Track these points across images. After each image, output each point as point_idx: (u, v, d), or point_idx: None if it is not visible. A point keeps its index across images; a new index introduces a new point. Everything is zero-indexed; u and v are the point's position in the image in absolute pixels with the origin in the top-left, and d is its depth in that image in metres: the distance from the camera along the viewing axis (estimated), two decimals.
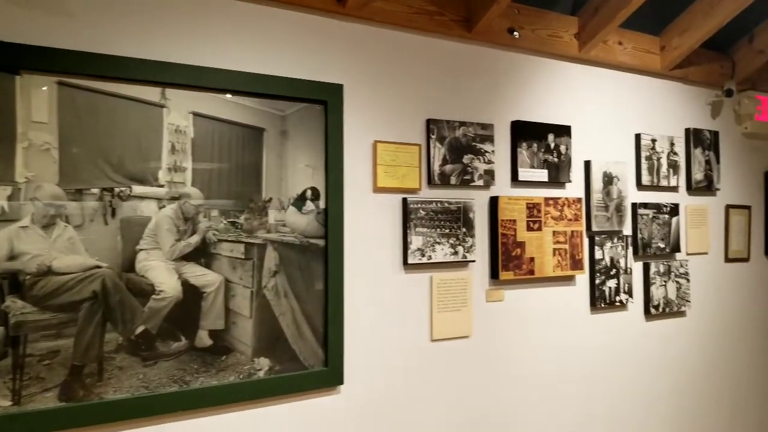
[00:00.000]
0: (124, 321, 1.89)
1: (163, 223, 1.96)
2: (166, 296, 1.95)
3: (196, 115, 2.04)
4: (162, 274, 1.95)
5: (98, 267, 1.86)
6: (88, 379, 1.84)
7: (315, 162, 2.23)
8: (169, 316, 1.96)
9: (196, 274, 2.01)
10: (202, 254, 2.02)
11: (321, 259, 2.23)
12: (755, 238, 3.64)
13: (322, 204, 2.24)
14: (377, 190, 2.35)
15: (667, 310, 3.15)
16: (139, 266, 1.92)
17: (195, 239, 2.01)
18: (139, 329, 1.91)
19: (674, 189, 3.25)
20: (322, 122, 2.25)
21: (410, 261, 2.39)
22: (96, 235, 1.87)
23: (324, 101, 2.24)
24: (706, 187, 3.35)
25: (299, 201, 2.19)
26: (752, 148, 3.65)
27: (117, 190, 1.90)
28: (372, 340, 2.33)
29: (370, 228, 2.33)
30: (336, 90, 2.26)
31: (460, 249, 2.51)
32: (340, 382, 2.22)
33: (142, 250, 1.93)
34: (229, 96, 2.08)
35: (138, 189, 1.93)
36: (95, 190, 1.88)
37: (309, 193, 2.22)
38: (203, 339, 2.01)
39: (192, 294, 2.00)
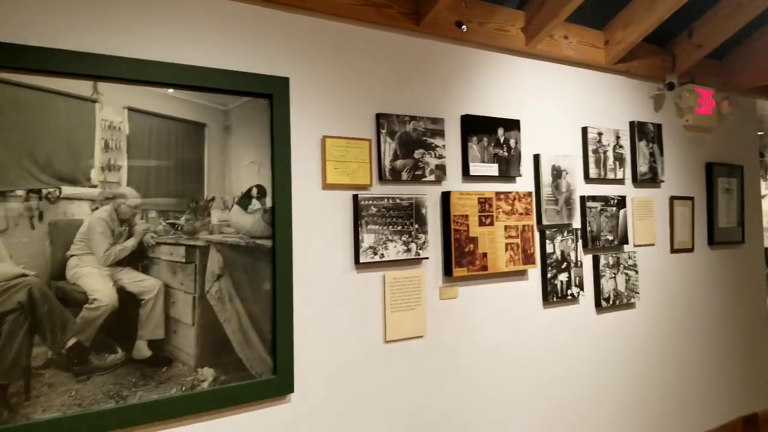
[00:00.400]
0: (53, 333, 1.74)
1: (96, 227, 1.82)
2: (100, 305, 1.81)
3: (131, 110, 1.91)
4: (95, 282, 1.81)
5: (24, 275, 1.71)
6: (14, 398, 1.68)
7: (261, 158, 2.13)
8: (104, 326, 1.82)
9: (133, 280, 1.87)
10: (140, 259, 1.89)
11: (268, 260, 2.13)
12: (699, 229, 3.73)
13: (268, 202, 2.13)
14: (327, 186, 2.27)
15: (617, 302, 3.18)
16: (70, 273, 1.77)
17: (131, 243, 1.88)
18: (71, 342, 1.77)
19: (621, 182, 3.29)
20: (268, 117, 2.14)
21: (362, 260, 2.31)
22: (22, 240, 1.71)
23: (269, 95, 2.14)
24: (650, 179, 3.40)
25: (244, 199, 2.09)
26: (693, 140, 3.74)
27: (45, 191, 1.75)
28: (323, 345, 2.24)
29: (319, 226, 2.25)
30: (282, 83, 2.16)
31: (413, 246, 2.45)
32: (291, 390, 2.13)
33: (73, 255, 1.78)
34: (169, 90, 1.95)
35: (68, 190, 1.79)
36: (20, 192, 1.72)
37: (255, 191, 2.11)
38: (142, 350, 1.88)
39: (129, 302, 1.86)
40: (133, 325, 1.86)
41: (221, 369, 2.01)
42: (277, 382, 2.10)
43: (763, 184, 6.30)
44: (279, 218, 2.14)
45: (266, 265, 2.12)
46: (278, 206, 2.14)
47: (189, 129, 2.00)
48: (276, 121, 2.14)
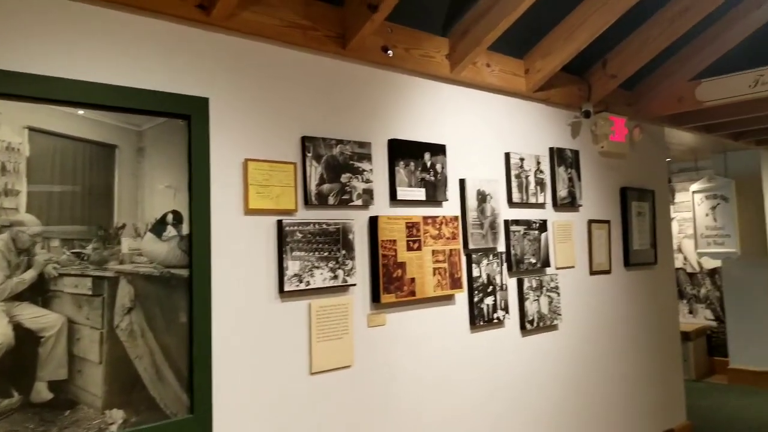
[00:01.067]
0: None
1: None
2: None
3: (32, 130, 1.75)
4: None
5: None
6: None
7: (177, 182, 2.01)
8: None
9: (32, 316, 1.70)
10: (40, 292, 1.72)
11: (185, 291, 2.00)
12: (615, 251, 3.86)
13: (185, 229, 2.01)
14: (249, 212, 2.17)
15: (541, 324, 3.22)
16: None
17: (30, 275, 1.71)
18: None
19: (542, 206, 3.36)
20: (186, 138, 2.03)
21: (287, 288, 2.22)
22: None
23: (187, 116, 2.03)
24: (570, 204, 3.50)
25: (159, 226, 1.96)
26: (608, 165, 3.89)
27: None
28: (245, 379, 2.12)
29: (241, 254, 2.14)
30: (201, 104, 2.05)
31: (340, 272, 2.38)
32: (209, 429, 1.99)
33: None
34: (76, 110, 1.81)
35: None
36: None
37: (170, 217, 1.99)
38: (41, 392, 1.70)
39: (27, 340, 1.69)
40: (31, 366, 1.69)
41: (132, 410, 1.86)
42: (194, 423, 1.96)
43: (671, 207, 6.67)
44: (196, 246, 2.02)
45: (182, 296, 1.99)
46: (196, 233, 2.02)
47: (98, 151, 1.86)
48: (194, 142, 2.03)
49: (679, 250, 6.65)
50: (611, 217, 3.86)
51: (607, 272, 3.77)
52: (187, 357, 1.99)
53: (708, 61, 3.80)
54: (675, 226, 6.61)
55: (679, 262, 6.62)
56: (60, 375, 1.73)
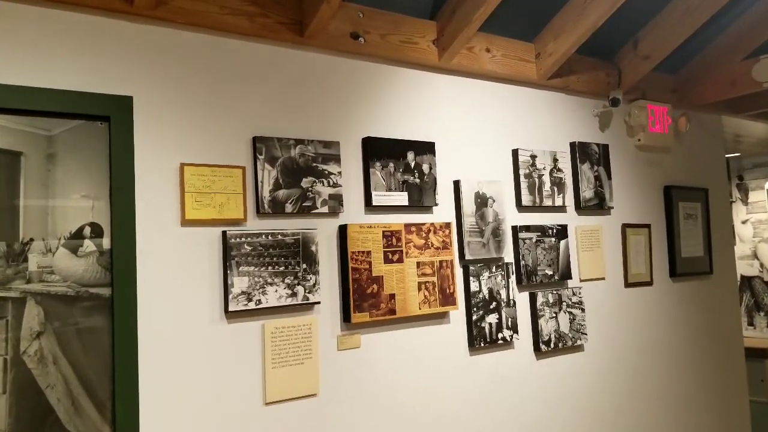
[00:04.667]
0: None
1: None
2: None
3: None
4: None
5: None
6: None
7: (96, 191, 1.80)
8: None
9: None
10: None
11: (106, 312, 1.79)
12: (658, 260, 3.38)
13: (106, 243, 1.80)
14: (186, 223, 1.94)
15: (561, 345, 2.81)
16: None
17: None
18: None
19: (561, 209, 2.96)
20: (106, 142, 1.83)
21: (232, 308, 1.97)
22: None
23: (107, 117, 1.83)
24: (597, 206, 3.07)
25: (74, 241, 1.76)
26: (648, 161, 3.41)
27: None
28: (183, 411, 1.88)
29: (176, 270, 1.91)
30: (123, 103, 1.84)
31: (299, 289, 2.11)
32: None
33: None
34: None
35: None
36: None
37: (87, 230, 1.78)
38: None
39: None
40: None
41: None
42: None
43: (743, 208, 5.97)
44: (119, 262, 1.80)
45: (104, 318, 1.78)
46: (118, 248, 1.80)
47: None
48: (115, 146, 1.82)
49: (755, 255, 5.91)
50: (652, 220, 3.38)
51: (648, 284, 3.29)
52: (110, 386, 1.77)
53: (766, 34, 3.26)
54: (749, 229, 5.89)
55: (754, 270, 5.89)
56: None
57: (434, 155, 2.50)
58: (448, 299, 2.46)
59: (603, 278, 3.08)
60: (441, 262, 2.45)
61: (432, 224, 2.44)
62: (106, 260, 1.80)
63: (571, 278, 2.90)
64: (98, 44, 1.84)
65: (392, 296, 2.31)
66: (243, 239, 2.01)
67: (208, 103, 2.01)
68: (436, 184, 2.49)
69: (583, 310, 2.91)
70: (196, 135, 1.98)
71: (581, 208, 3.00)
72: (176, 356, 1.88)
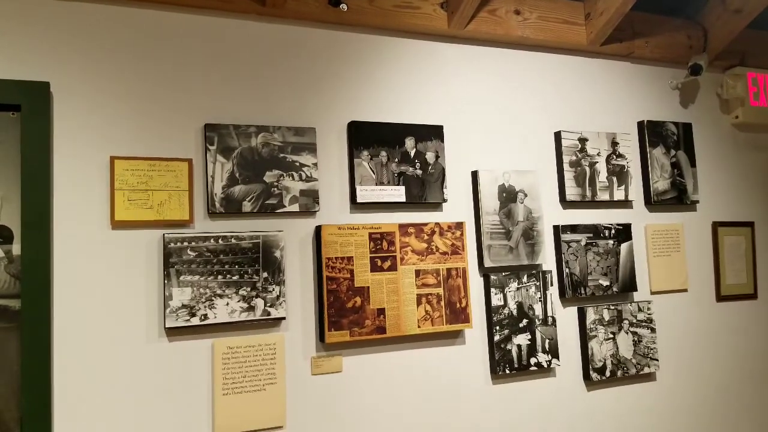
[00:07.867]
0: None
1: None
2: None
3: None
4: None
5: None
6: None
7: (5, 190, 1.59)
8: None
9: None
10: None
11: (16, 328, 1.56)
12: (764, 267, 2.66)
13: (16, 249, 1.58)
14: (117, 225, 1.68)
15: (620, 373, 2.24)
16: None
17: None
18: None
19: (624, 204, 2.38)
20: (17, 135, 1.61)
21: (170, 324, 1.68)
22: None
23: (17, 105, 1.61)
24: (676, 199, 2.45)
25: None
26: (749, 143, 2.70)
27: None
28: None
29: (104, 280, 1.65)
30: (37, 90, 1.62)
31: (258, 303, 1.78)
32: None
33: None
34: None
35: None
36: None
37: None
38: None
39: None
40: None
41: None
42: None
43: None
44: (30, 270, 1.57)
45: (12, 334, 1.56)
46: (29, 254, 1.57)
47: None
48: (27, 139, 1.60)
49: None
50: (756, 217, 2.66)
51: (751, 297, 2.59)
52: (18, 414, 1.55)
53: None
54: None
55: None
56: None
57: (442, 141, 2.06)
58: (459, 316, 2.00)
59: (685, 290, 2.44)
60: (449, 270, 2.01)
61: (437, 224, 2.01)
62: (15, 268, 1.58)
63: (636, 290, 2.31)
64: (7, 24, 1.63)
65: (381, 311, 1.90)
66: (185, 243, 1.71)
67: (146, 88, 1.75)
68: (444, 175, 2.05)
69: (653, 329, 2.31)
70: (130, 124, 1.72)
71: (652, 203, 2.40)
72: (102, 380, 1.62)
